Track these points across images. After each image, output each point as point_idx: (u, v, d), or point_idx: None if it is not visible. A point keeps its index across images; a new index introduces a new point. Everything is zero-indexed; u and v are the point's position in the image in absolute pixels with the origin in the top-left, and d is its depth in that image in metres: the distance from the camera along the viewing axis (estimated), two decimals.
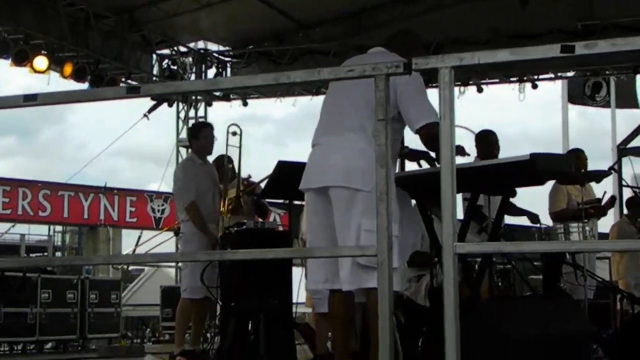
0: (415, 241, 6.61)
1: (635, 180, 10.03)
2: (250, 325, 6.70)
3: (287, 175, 6.90)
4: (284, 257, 5.82)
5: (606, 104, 24.12)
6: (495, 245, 4.31)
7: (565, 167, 5.50)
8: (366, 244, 4.50)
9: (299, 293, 7.28)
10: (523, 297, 7.29)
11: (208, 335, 9.29)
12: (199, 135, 8.46)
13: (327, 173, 4.87)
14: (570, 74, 15.30)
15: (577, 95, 24.03)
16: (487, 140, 8.33)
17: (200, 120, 15.42)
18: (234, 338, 6.65)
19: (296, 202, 7.65)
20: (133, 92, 3.87)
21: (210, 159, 8.68)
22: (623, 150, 25.36)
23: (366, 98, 4.67)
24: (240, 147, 8.45)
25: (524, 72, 14.16)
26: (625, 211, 11.01)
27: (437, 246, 5.84)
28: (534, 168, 4.91)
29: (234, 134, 8.41)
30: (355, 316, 5.59)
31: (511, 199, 6.13)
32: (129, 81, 13.59)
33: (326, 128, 5.08)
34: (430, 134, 4.85)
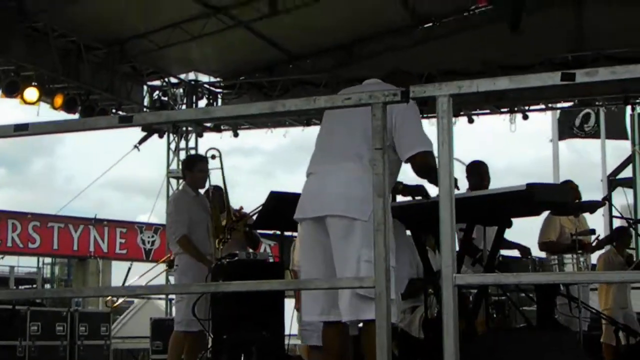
0: (410, 272, 6.56)
1: (628, 211, 10.06)
2: (242, 358, 6.61)
3: (279, 206, 6.86)
4: (279, 289, 5.74)
5: (595, 134, 24.27)
6: (494, 276, 4.26)
7: (561, 198, 5.47)
8: (367, 275, 4.43)
9: (292, 325, 7.20)
10: (520, 328, 7.22)
11: None
12: (194, 169, 8.44)
13: (323, 202, 4.80)
14: (562, 104, 15.32)
15: (565, 130, 24.20)
16: (478, 171, 8.30)
17: (192, 151, 15.39)
18: None
19: (287, 233, 7.61)
20: (125, 122, 3.82)
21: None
22: (613, 181, 25.52)
23: (362, 126, 4.63)
24: (222, 168, 8.42)
25: (515, 103, 14.16)
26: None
27: (431, 277, 5.79)
28: (531, 198, 4.87)
29: (213, 157, 8.42)
30: (349, 349, 5.50)
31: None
32: (119, 112, 13.52)
33: (322, 157, 5.02)
34: (424, 162, 4.81)
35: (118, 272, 25.20)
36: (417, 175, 4.99)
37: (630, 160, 24.58)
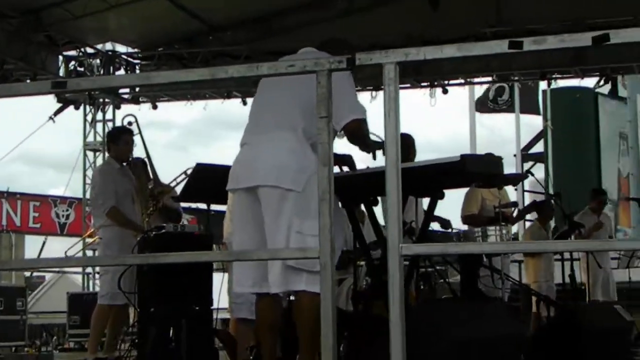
0: (340, 244, 6.54)
1: (548, 184, 10.25)
2: (171, 331, 6.51)
3: (205, 178, 6.76)
4: (218, 260, 5.67)
5: (509, 109, 24.71)
6: (440, 246, 4.27)
7: (494, 169, 5.50)
8: (297, 246, 4.42)
9: (220, 299, 7.12)
10: (446, 299, 7.30)
11: (119, 341, 9.04)
12: (119, 141, 8.30)
13: (256, 172, 4.73)
14: (479, 79, 15.47)
15: (483, 103, 24.60)
16: (404, 144, 8.27)
17: (109, 123, 15.17)
18: (154, 345, 6.46)
19: (213, 207, 7.50)
20: (59, 87, 3.70)
21: None
22: (525, 155, 26.08)
23: (298, 96, 4.59)
24: (140, 133, 8.31)
25: (434, 77, 14.24)
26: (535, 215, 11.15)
27: (364, 249, 5.78)
28: (464, 169, 4.89)
29: (130, 123, 8.34)
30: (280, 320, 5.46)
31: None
32: None
33: (256, 127, 4.94)
34: (358, 129, 4.80)
35: (31, 246, 24.64)
36: (350, 142, 4.97)
37: (541, 135, 25.13)
